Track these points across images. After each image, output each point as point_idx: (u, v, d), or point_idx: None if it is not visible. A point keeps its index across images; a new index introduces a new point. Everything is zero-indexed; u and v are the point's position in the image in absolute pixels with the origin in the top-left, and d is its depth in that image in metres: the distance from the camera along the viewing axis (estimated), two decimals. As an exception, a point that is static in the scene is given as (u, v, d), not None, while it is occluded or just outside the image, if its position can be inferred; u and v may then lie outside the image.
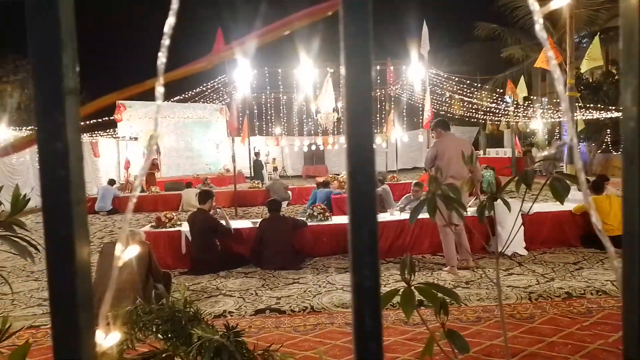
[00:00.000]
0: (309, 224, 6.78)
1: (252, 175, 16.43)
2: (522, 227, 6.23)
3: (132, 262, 4.10)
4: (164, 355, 1.41)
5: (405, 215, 7.17)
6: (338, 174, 14.65)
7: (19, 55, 18.67)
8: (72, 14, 0.39)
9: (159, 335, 1.51)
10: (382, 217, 7.17)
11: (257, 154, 17.41)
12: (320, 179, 12.57)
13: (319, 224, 6.86)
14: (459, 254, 5.71)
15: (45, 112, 0.38)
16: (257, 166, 16.92)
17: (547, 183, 1.42)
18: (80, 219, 0.38)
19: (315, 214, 7.03)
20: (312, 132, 20.42)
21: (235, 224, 6.91)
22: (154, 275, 4.27)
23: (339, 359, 3.33)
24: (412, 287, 1.09)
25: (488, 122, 22.26)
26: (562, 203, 1.51)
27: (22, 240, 1.32)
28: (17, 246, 1.21)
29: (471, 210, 5.78)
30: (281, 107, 18.00)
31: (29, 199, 1.40)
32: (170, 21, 0.44)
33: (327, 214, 7.15)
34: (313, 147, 18.86)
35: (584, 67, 9.04)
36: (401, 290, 1.10)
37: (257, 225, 6.45)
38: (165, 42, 0.44)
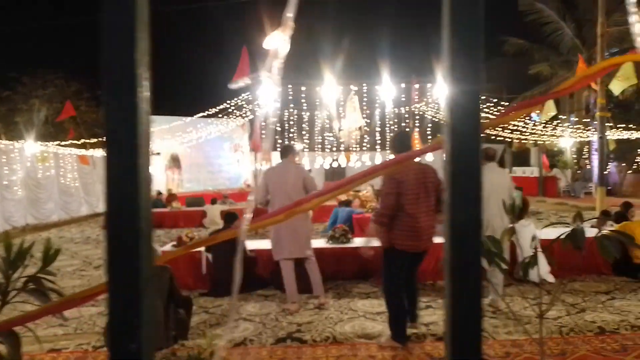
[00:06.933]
0: (330, 246, 6.69)
1: None
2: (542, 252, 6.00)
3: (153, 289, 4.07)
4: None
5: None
6: (359, 191, 14.23)
7: (47, 70, 19.09)
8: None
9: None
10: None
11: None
12: (342, 197, 12.43)
13: (341, 246, 6.74)
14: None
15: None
16: None
17: (596, 238, 1.32)
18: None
19: (337, 236, 6.92)
20: (334, 149, 20.37)
21: (256, 244, 6.84)
22: (175, 301, 4.23)
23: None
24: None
25: (514, 140, 21.93)
26: (610, 261, 1.40)
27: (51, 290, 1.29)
28: (43, 299, 1.17)
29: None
30: (303, 125, 18.08)
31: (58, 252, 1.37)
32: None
33: (348, 235, 7.03)
34: (335, 165, 18.78)
35: (616, 88, 8.37)
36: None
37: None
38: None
